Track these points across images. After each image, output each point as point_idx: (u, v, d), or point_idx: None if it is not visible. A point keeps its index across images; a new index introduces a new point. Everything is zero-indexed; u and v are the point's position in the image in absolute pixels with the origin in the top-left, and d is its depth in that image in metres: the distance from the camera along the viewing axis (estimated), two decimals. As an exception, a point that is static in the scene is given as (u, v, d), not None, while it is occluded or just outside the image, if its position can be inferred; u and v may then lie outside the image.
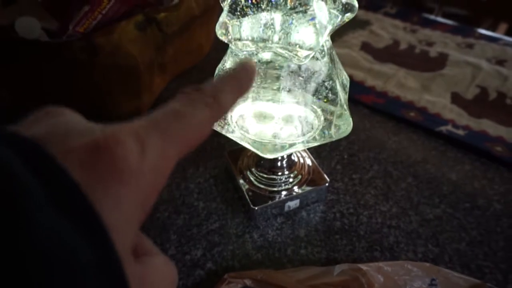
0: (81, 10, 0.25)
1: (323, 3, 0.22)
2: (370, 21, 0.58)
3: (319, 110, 0.27)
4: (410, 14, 0.60)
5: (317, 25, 0.21)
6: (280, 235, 0.29)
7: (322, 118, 0.27)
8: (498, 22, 0.75)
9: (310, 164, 0.33)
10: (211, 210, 0.31)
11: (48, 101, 0.31)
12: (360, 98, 0.42)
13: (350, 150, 0.37)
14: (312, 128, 0.27)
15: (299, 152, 0.33)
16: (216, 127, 0.26)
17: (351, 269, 0.22)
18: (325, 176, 0.31)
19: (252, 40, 0.22)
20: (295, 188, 0.31)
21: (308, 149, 0.34)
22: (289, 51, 0.22)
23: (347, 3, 0.23)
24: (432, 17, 0.60)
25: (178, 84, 0.44)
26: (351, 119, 0.26)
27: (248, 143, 0.25)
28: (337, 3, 0.23)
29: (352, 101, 0.43)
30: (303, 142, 0.26)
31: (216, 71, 0.26)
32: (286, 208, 0.31)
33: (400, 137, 0.38)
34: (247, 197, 0.30)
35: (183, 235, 0.29)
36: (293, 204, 0.31)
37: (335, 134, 0.26)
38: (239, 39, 0.22)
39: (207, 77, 0.21)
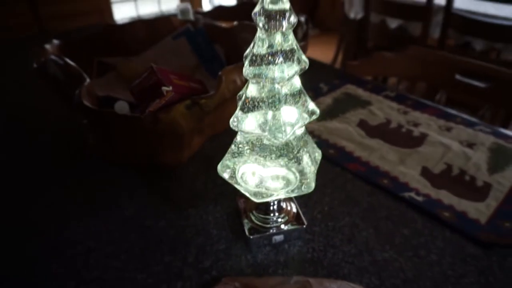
0: (155, 100, 0.42)
1: (294, 108, 0.36)
2: (371, 102, 0.72)
3: (297, 172, 0.40)
4: (405, 98, 0.72)
5: (283, 127, 0.34)
6: (266, 259, 0.41)
7: (298, 177, 0.40)
8: (497, 109, 0.86)
9: (295, 210, 0.45)
10: (221, 236, 0.44)
11: (121, 150, 0.51)
12: (348, 165, 0.55)
13: (330, 204, 0.49)
14: (289, 185, 0.39)
15: (288, 201, 0.46)
16: (229, 179, 0.39)
17: (302, 280, 0.34)
18: (304, 220, 0.44)
19: (252, 131, 0.36)
20: (282, 226, 0.43)
21: (296, 199, 0.47)
22: (274, 138, 0.36)
23: (312, 109, 0.37)
24: (424, 101, 0.72)
25: (211, 142, 0.60)
26: (313, 184, 0.38)
27: (246, 191, 0.39)
28: (305, 108, 0.37)
29: (341, 167, 0.55)
30: (283, 193, 0.39)
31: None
32: (273, 241, 0.43)
33: (373, 198, 0.50)
34: (246, 229, 0.43)
35: (200, 250, 0.42)
36: (279, 238, 0.43)
37: (303, 190, 0.39)
38: (244, 129, 0.36)
39: (234, 136, 0.35)
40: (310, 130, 0.63)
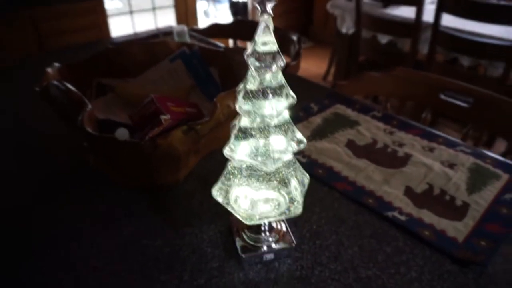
0: (154, 128, 0.45)
1: (283, 137, 0.39)
2: (359, 122, 0.75)
3: (286, 196, 0.43)
4: (391, 118, 0.76)
5: (272, 155, 0.37)
6: (257, 276, 0.44)
7: (288, 201, 0.43)
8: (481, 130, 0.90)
9: (285, 229, 0.48)
10: (215, 254, 0.47)
11: (120, 171, 0.53)
12: (335, 185, 0.58)
13: (318, 223, 0.52)
14: (280, 207, 0.42)
15: (278, 221, 0.49)
16: (223, 203, 0.42)
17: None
18: (293, 239, 0.47)
19: (244, 159, 0.39)
20: (272, 245, 0.46)
21: (286, 220, 0.50)
22: (264, 166, 0.39)
23: (300, 139, 0.40)
24: (409, 121, 0.76)
25: (207, 160, 0.62)
26: (300, 207, 0.41)
27: (239, 214, 0.41)
28: (294, 137, 0.40)
29: (329, 187, 0.58)
30: (273, 216, 0.42)
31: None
32: (264, 259, 0.46)
33: (358, 217, 0.53)
34: (238, 248, 0.45)
35: (194, 268, 0.45)
36: (269, 256, 0.46)
37: (291, 214, 0.42)
38: (237, 157, 0.39)
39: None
40: (301, 151, 0.66)
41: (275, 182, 0.40)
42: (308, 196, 0.56)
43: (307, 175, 0.45)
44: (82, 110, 0.49)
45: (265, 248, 0.46)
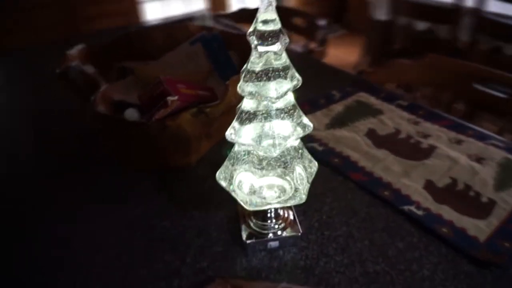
0: (160, 109, 0.44)
1: (288, 122, 0.37)
2: (383, 111, 0.72)
3: (292, 182, 0.41)
4: (418, 108, 0.72)
5: (276, 140, 0.36)
6: (260, 263, 0.43)
7: (293, 187, 0.41)
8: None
9: (292, 218, 0.47)
10: (220, 238, 0.46)
11: (131, 152, 0.54)
12: (351, 175, 0.56)
13: (328, 213, 0.50)
14: (284, 194, 0.41)
15: (286, 209, 0.47)
16: (226, 187, 0.41)
17: (288, 286, 0.36)
18: (300, 228, 0.45)
19: (248, 143, 0.37)
20: (278, 233, 0.45)
21: (295, 207, 0.48)
22: (268, 151, 0.37)
23: (306, 123, 0.38)
24: (437, 111, 0.71)
25: (221, 146, 0.62)
26: (304, 196, 0.40)
27: (241, 200, 0.40)
28: (299, 122, 0.38)
29: (344, 176, 0.56)
30: (277, 202, 0.40)
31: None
32: (268, 246, 0.45)
33: (371, 209, 0.50)
34: (243, 234, 0.45)
35: (198, 251, 0.44)
36: (274, 244, 0.45)
37: (295, 201, 0.40)
38: (240, 141, 0.37)
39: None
40: (317, 138, 0.64)
41: (278, 168, 0.39)
42: (321, 185, 0.54)
43: (316, 162, 0.43)
44: (95, 91, 0.50)
45: (270, 235, 0.45)
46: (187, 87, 0.49)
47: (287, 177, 0.40)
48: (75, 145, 0.65)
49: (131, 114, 0.45)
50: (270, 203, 0.40)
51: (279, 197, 0.41)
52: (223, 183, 0.41)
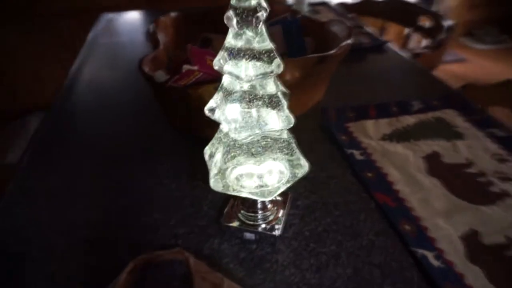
0: (182, 77, 0.46)
1: (272, 111, 0.34)
2: (464, 136, 0.58)
3: (287, 161, 0.38)
4: (517, 144, 0.56)
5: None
6: (229, 249, 0.42)
7: (288, 166, 0.38)
8: None
9: (281, 216, 0.44)
10: (208, 214, 0.46)
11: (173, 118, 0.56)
12: (376, 194, 0.48)
13: (327, 227, 0.44)
14: (283, 175, 0.38)
15: (279, 206, 0.44)
16: (223, 190, 0.38)
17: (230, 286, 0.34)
18: (280, 229, 0.42)
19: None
20: (260, 227, 0.42)
21: (296, 209, 0.45)
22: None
23: (287, 116, 0.35)
24: (543, 155, 0.54)
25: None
26: (305, 161, 0.37)
27: (250, 194, 0.38)
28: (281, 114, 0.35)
29: (369, 194, 0.48)
30: (283, 184, 0.38)
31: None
32: (244, 236, 0.43)
33: (378, 238, 0.43)
34: (224, 216, 0.44)
35: (184, 218, 0.46)
36: (250, 236, 0.43)
37: (298, 174, 0.37)
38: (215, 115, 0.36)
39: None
40: (363, 147, 0.57)
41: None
42: (337, 195, 0.49)
43: (306, 166, 0.39)
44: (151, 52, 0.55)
45: (249, 224, 0.43)
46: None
47: (283, 159, 0.37)
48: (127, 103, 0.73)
49: (160, 75, 0.48)
50: (278, 185, 0.38)
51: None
52: (219, 189, 0.39)
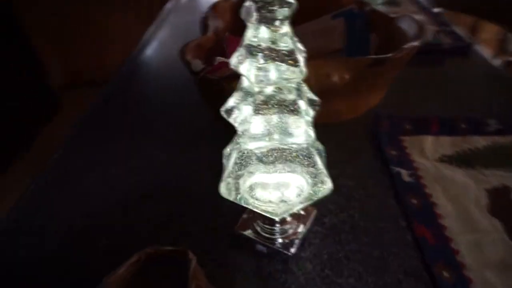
0: (216, 69, 0.44)
1: (303, 102, 0.30)
2: (548, 171, 0.47)
3: (307, 174, 0.34)
4: None
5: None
6: (236, 258, 0.39)
7: (310, 180, 0.34)
8: None
9: (300, 231, 0.40)
10: (226, 217, 0.44)
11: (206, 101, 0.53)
12: (416, 227, 0.41)
13: (351, 256, 0.39)
14: (303, 191, 0.34)
15: (299, 221, 0.40)
16: (226, 195, 0.35)
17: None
18: (294, 249, 0.38)
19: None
20: (273, 241, 0.39)
21: (321, 226, 0.41)
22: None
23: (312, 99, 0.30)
24: None
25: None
26: (328, 180, 0.33)
27: (262, 211, 0.35)
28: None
29: (408, 224, 0.42)
30: (299, 203, 0.34)
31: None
32: (256, 248, 0.40)
33: (408, 280, 0.36)
34: (239, 223, 0.41)
35: (204, 214, 0.44)
36: (261, 248, 0.39)
37: (318, 193, 0.33)
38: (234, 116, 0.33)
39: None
40: (414, 166, 0.49)
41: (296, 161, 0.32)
42: (370, 221, 0.43)
43: (320, 144, 0.35)
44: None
45: (264, 236, 0.39)
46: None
47: (303, 170, 0.33)
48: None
49: (197, 64, 0.46)
50: (297, 203, 0.34)
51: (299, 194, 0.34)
52: (231, 197, 0.35)
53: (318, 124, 0.33)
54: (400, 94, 0.63)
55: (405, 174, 0.48)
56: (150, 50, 0.88)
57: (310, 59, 0.50)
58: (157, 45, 0.90)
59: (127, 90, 0.73)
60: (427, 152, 0.52)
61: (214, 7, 0.66)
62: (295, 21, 0.72)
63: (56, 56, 2.11)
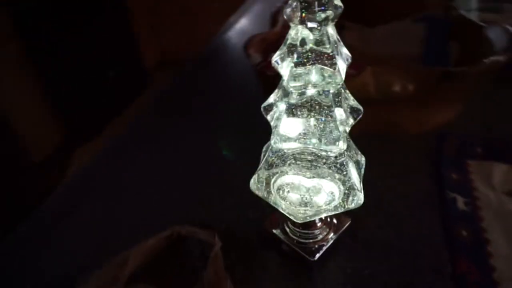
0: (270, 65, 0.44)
1: (341, 109, 0.29)
2: None
3: (339, 182, 0.33)
4: None
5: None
6: (256, 251, 0.40)
7: (342, 190, 0.33)
8: None
9: (330, 238, 0.38)
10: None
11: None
12: (460, 262, 0.37)
13: (379, 275, 0.37)
14: (334, 199, 0.33)
15: (331, 229, 0.39)
16: (255, 190, 0.36)
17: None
18: (317, 255, 0.37)
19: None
20: (298, 243, 0.39)
21: (355, 238, 0.40)
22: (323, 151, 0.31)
23: (355, 107, 0.29)
24: None
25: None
26: (360, 193, 0.32)
27: (288, 211, 0.34)
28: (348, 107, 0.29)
29: (452, 258, 0.38)
30: (326, 210, 0.33)
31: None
32: (282, 247, 0.40)
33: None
34: (270, 219, 0.42)
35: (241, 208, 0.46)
36: (286, 249, 0.39)
37: (348, 204, 0.32)
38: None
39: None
40: (474, 195, 0.44)
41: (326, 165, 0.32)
42: (408, 242, 0.40)
43: (363, 156, 0.33)
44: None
45: (292, 238, 0.39)
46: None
47: (335, 177, 0.32)
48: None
49: (256, 58, 0.47)
50: (321, 211, 0.34)
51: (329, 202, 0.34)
52: (259, 193, 0.36)
53: (374, 134, 0.32)
54: (477, 113, 0.56)
55: (460, 201, 0.43)
56: (230, 37, 0.90)
57: (373, 64, 0.48)
58: (237, 33, 0.92)
59: (200, 75, 0.77)
60: (495, 182, 0.46)
61: (286, 1, 0.66)
62: (371, 19, 0.69)
63: (152, 37, 2.29)
